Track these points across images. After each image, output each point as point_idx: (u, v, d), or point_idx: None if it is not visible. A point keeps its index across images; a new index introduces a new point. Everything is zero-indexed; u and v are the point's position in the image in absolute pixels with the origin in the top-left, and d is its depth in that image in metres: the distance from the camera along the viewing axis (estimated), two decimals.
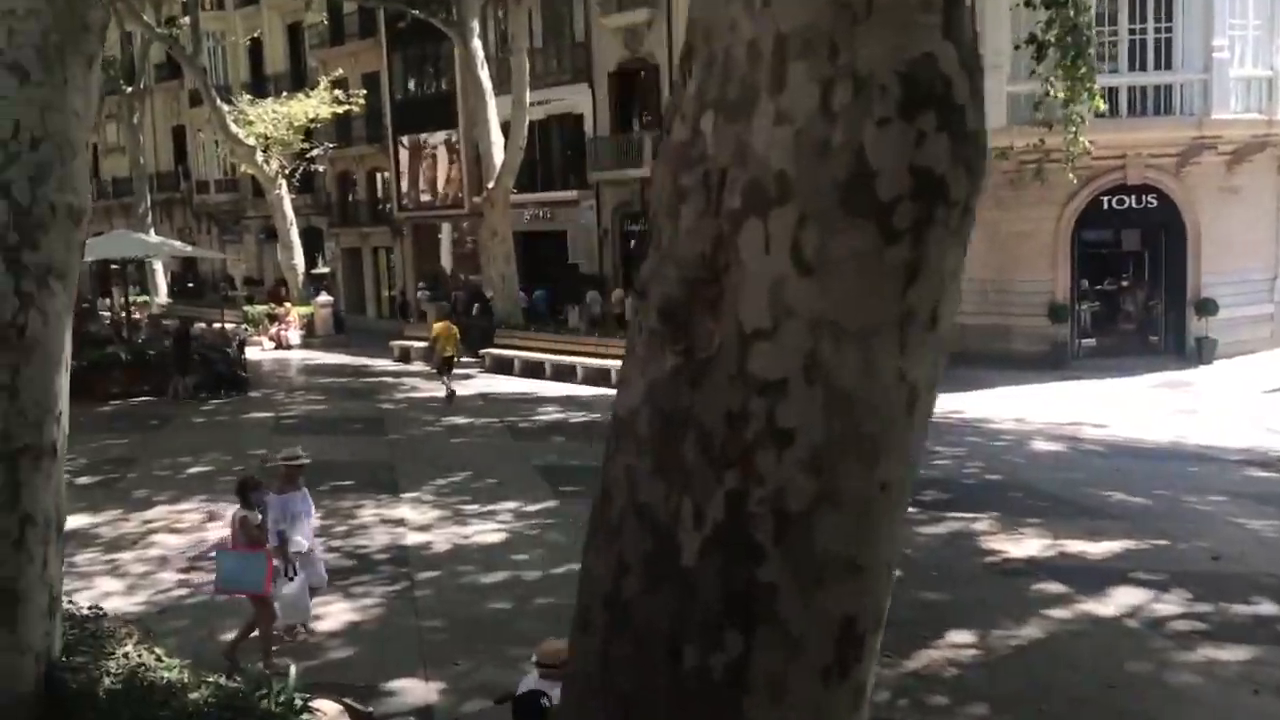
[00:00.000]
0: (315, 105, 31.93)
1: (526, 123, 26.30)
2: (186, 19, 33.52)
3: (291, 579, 8.27)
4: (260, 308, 32.50)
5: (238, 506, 8.38)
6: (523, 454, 15.59)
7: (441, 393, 20.65)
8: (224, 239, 46.86)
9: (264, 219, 42.67)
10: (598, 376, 22.43)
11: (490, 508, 12.52)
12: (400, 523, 12.04)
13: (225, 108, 31.85)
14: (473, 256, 37.62)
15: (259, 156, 31.92)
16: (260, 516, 8.07)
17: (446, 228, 38.23)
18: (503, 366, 24.90)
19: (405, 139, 36.85)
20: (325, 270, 35.06)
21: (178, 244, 33.89)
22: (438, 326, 22.08)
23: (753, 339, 2.08)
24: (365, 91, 34.15)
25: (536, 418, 18.61)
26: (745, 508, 2.11)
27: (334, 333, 32.17)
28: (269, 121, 31.38)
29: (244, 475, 8.62)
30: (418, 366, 25.30)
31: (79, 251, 6.05)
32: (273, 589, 8.00)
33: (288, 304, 32.10)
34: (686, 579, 2.17)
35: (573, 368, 23.16)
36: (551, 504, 12.66)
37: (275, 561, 8.15)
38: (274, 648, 8.17)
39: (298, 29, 40.70)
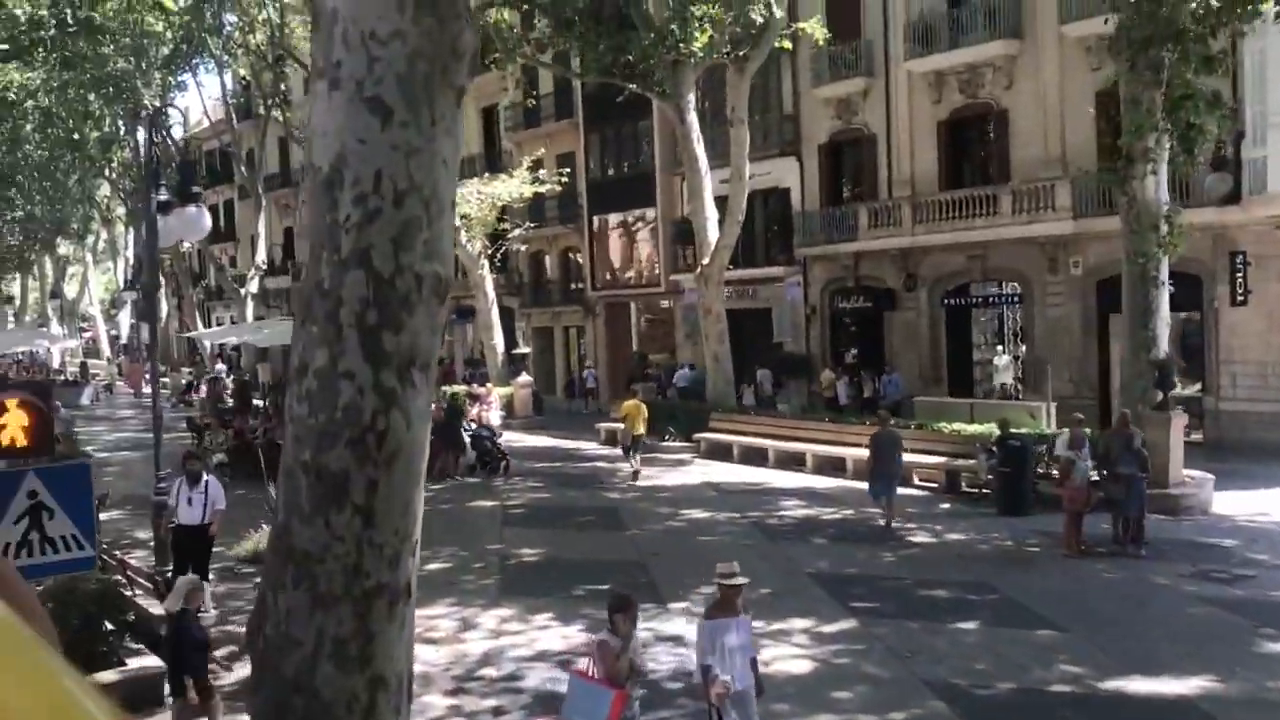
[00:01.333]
0: (518, 185, 31.61)
1: (746, 196, 25.15)
2: None
3: None
4: (459, 388, 31.99)
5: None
6: (786, 558, 13.93)
7: (633, 471, 20.48)
8: None
9: (452, 299, 42.74)
10: (829, 465, 20.67)
11: (778, 626, 10.90)
12: (679, 640, 10.51)
13: None
14: (661, 336, 36.60)
15: (462, 237, 31.75)
16: (620, 644, 6.68)
17: (633, 306, 37.40)
18: (718, 452, 23.39)
19: (599, 218, 36.34)
20: (525, 350, 34.52)
21: None
22: (627, 405, 21.60)
23: None
24: (568, 171, 33.78)
25: (782, 514, 16.91)
26: None
27: (533, 414, 31.40)
28: (473, 203, 31.18)
29: (616, 592, 7.22)
30: None
31: (441, 335, 4.82)
32: None
33: (489, 384, 31.53)
34: None
35: (801, 455, 21.43)
36: (849, 624, 10.96)
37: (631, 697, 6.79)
38: None
39: (492, 112, 41.06)
